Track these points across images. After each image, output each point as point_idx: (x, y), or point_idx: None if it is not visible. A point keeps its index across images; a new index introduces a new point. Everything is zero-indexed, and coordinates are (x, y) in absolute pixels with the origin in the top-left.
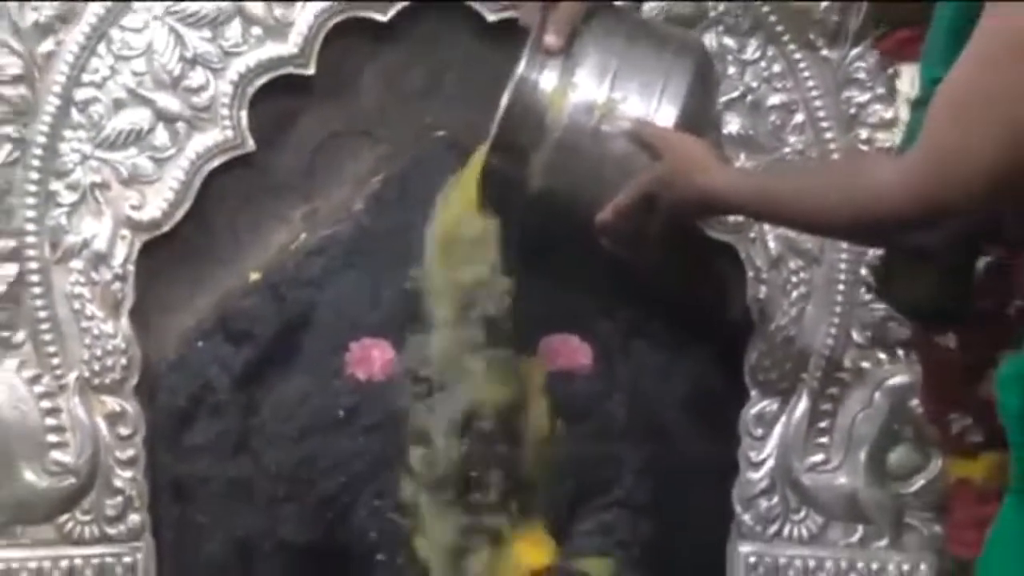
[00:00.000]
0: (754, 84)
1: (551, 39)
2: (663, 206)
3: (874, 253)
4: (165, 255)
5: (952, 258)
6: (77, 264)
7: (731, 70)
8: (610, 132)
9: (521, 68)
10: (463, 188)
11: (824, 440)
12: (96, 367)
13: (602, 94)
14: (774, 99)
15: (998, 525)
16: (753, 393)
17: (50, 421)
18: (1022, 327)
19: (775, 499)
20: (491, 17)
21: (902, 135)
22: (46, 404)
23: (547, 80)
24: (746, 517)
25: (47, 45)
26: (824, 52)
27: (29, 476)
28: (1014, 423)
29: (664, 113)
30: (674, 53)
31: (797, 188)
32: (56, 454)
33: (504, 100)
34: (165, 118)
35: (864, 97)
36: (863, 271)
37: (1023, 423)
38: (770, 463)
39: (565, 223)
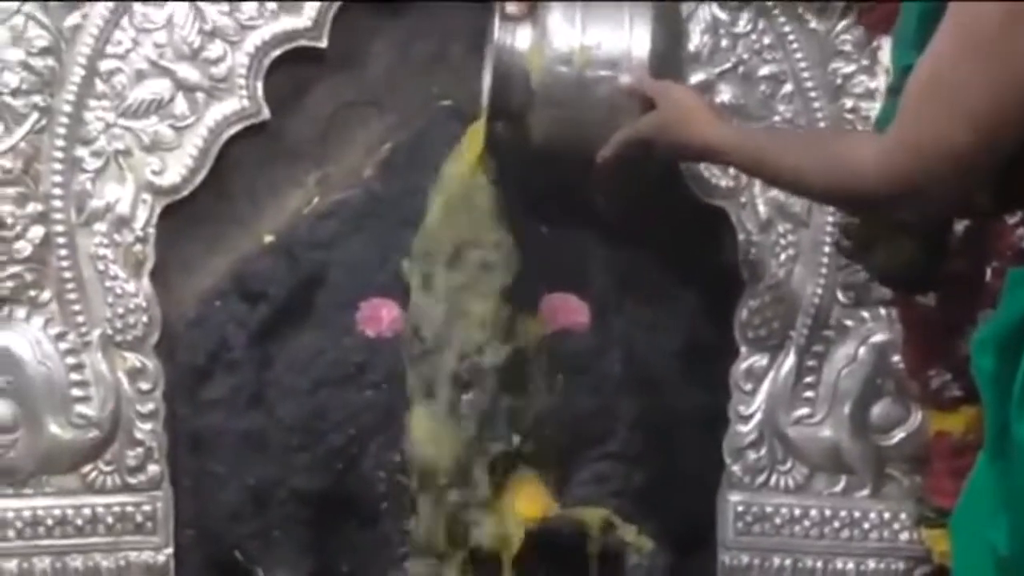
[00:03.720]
0: (745, 56)
1: (513, 6)
2: (658, 151)
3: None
4: (184, 218)
5: (926, 228)
6: (101, 227)
7: (724, 42)
8: (593, 77)
9: (495, 37)
10: (466, 157)
11: (810, 394)
12: (118, 325)
13: (575, 43)
14: (764, 70)
15: (971, 480)
16: (743, 349)
17: (74, 376)
18: (998, 288)
19: (763, 451)
20: None
21: (877, 115)
22: (71, 360)
23: (521, 42)
24: (735, 468)
25: (73, 19)
26: (812, 25)
27: (54, 428)
28: (987, 385)
29: (638, 44)
30: None
31: (784, 154)
32: (80, 407)
33: (487, 70)
34: (185, 88)
35: (850, 68)
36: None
37: (996, 385)
38: (758, 416)
39: (566, 175)
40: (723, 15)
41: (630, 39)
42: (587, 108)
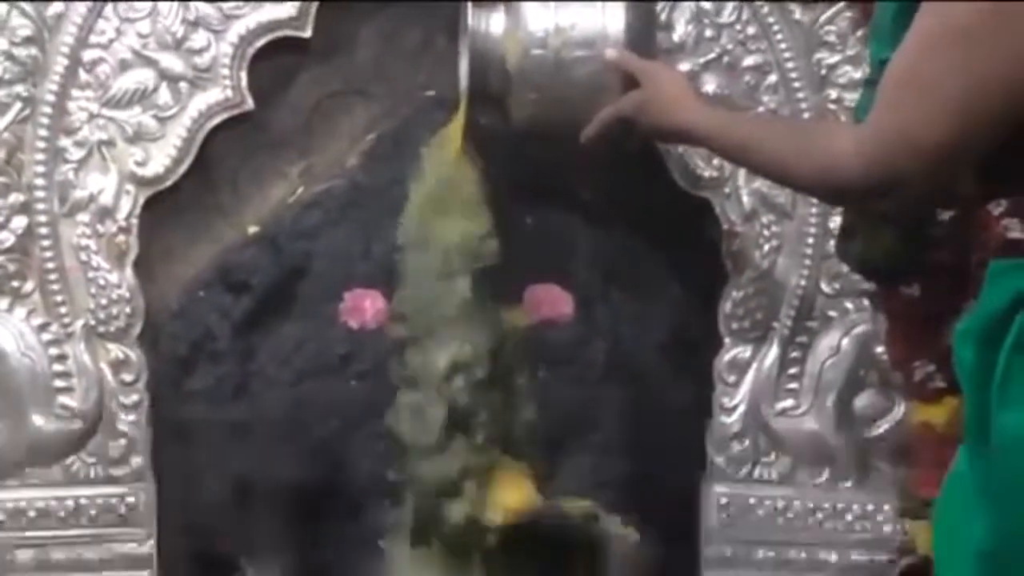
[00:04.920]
0: (730, 46)
1: None
2: (640, 130)
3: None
4: (168, 209)
5: (907, 218)
6: (84, 217)
7: (708, 32)
8: (569, 58)
9: (469, 24)
10: (447, 145)
11: (794, 386)
12: (101, 316)
13: (550, 24)
14: (749, 60)
15: (952, 472)
16: (727, 340)
17: (57, 367)
18: (981, 278)
19: (747, 442)
20: None
21: (855, 107)
22: (54, 351)
23: (496, 26)
24: (719, 459)
25: (56, 7)
26: (796, 16)
27: (37, 420)
28: (968, 376)
29: (612, 23)
30: None
31: (766, 141)
32: (63, 399)
33: (463, 58)
34: (168, 78)
35: (834, 59)
36: (832, 225)
37: (976, 376)
38: (742, 408)
39: (548, 158)
40: (707, 5)
41: (604, 18)
42: (566, 89)
